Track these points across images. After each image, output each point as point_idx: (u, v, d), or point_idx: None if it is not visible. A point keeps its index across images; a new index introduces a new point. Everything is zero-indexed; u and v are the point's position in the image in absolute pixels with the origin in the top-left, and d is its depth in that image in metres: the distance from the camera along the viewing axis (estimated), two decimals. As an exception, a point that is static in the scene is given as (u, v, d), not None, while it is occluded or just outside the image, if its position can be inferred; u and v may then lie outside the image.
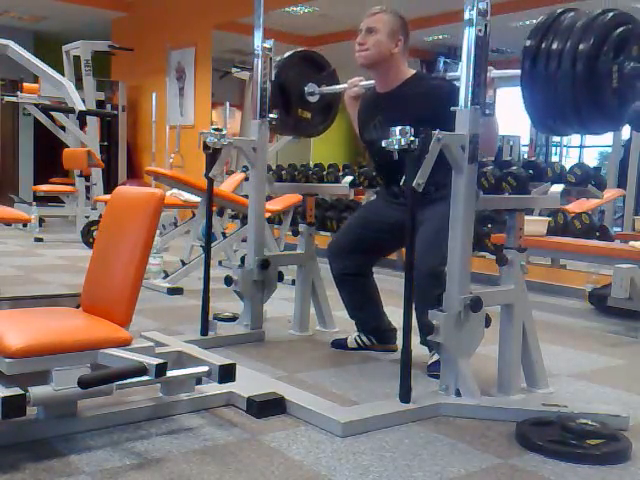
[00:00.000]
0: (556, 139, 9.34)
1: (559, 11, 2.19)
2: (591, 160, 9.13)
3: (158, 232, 4.40)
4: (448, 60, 8.77)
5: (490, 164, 5.04)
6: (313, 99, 3.32)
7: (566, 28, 2.13)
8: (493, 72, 2.36)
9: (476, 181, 2.31)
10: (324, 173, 6.69)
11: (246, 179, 3.38)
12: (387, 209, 2.93)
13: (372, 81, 2.96)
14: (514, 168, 4.88)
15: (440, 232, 2.40)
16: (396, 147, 2.19)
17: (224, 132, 2.99)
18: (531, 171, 4.91)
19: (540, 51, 2.15)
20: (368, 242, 2.97)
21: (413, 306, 2.27)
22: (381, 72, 2.85)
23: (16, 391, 1.78)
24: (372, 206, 3.15)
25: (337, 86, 3.29)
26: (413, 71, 2.87)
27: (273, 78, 3.20)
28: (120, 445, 1.94)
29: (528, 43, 2.17)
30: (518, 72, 2.22)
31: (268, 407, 2.22)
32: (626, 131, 6.54)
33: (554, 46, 2.12)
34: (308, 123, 3.41)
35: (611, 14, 2.13)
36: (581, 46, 2.08)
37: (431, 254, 2.53)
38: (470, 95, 2.24)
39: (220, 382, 2.18)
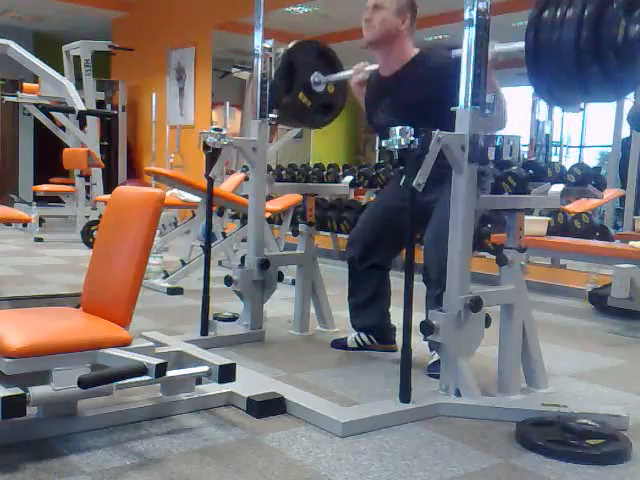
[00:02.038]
0: (556, 139, 9.34)
1: None
2: (591, 160, 9.13)
3: (158, 232, 4.40)
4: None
5: (490, 164, 5.03)
6: (317, 89, 3.29)
7: None
8: (496, 46, 2.34)
9: (476, 181, 2.31)
10: (324, 173, 6.70)
11: (246, 179, 3.37)
12: (397, 197, 2.87)
13: (376, 65, 2.94)
14: (514, 168, 4.88)
15: (447, 223, 2.36)
16: (396, 147, 2.19)
17: (224, 132, 2.99)
18: (531, 171, 4.91)
19: (543, 16, 2.13)
20: (390, 229, 2.91)
21: (414, 306, 2.27)
22: (386, 51, 2.83)
23: (16, 391, 1.78)
24: (388, 191, 3.09)
25: (343, 73, 3.26)
26: (417, 50, 2.84)
27: (286, 53, 3.16)
28: (120, 445, 1.94)
29: (532, 13, 2.15)
30: (522, 44, 2.21)
31: (268, 407, 2.22)
32: (626, 130, 6.55)
33: (559, 8, 2.10)
34: (304, 110, 3.33)
35: None
36: (589, 2, 2.06)
37: (441, 242, 2.46)
38: (470, 95, 2.24)
39: (220, 382, 2.18)
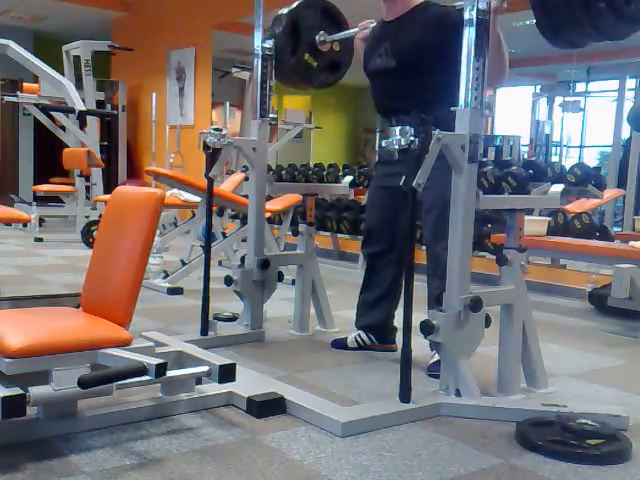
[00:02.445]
0: (556, 139, 9.35)
1: None
2: (591, 160, 9.14)
3: (158, 232, 4.40)
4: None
5: (490, 164, 5.04)
6: (323, 48, 3.26)
7: None
8: None
9: (476, 181, 2.31)
10: (324, 173, 6.69)
11: (246, 179, 3.38)
12: (389, 180, 2.85)
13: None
14: (514, 168, 4.88)
15: (447, 210, 2.34)
16: (396, 147, 2.19)
17: (224, 132, 2.99)
18: (531, 171, 4.91)
19: None
20: (394, 217, 2.93)
21: (414, 306, 2.27)
22: None
23: (16, 391, 1.78)
24: (376, 178, 3.08)
25: (348, 30, 3.23)
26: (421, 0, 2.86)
27: (289, 13, 3.12)
28: (120, 445, 1.94)
29: None
30: None
31: (268, 407, 2.22)
32: (626, 131, 6.55)
33: None
34: (311, 71, 3.30)
35: None
36: None
37: (443, 246, 2.47)
38: (470, 95, 2.24)
39: (220, 382, 2.18)
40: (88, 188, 7.29)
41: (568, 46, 2.31)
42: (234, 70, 8.02)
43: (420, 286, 2.60)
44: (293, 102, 9.30)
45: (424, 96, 2.51)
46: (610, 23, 2.17)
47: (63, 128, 7.85)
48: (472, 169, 2.27)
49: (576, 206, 5.50)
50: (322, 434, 2.09)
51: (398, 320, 2.41)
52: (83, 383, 1.80)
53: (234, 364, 2.22)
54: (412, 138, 2.16)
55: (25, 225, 7.09)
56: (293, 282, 3.52)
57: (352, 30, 3.17)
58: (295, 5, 3.24)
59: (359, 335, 3.10)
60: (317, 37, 3.25)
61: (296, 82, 3.48)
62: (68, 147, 7.49)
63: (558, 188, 4.03)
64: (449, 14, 2.70)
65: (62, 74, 7.02)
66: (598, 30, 2.21)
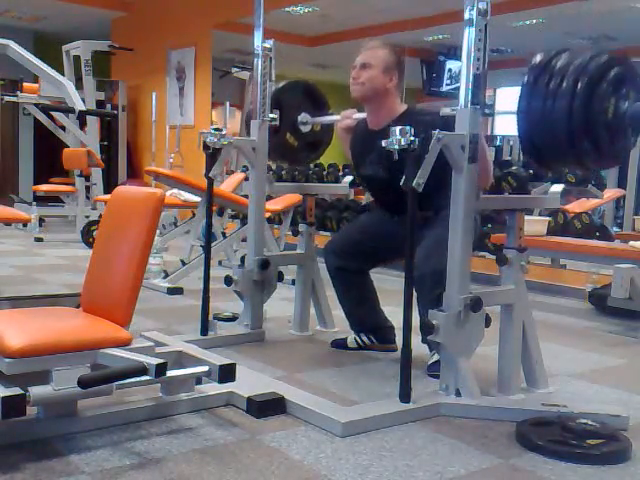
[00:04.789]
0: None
1: (554, 52, 2.24)
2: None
3: (158, 232, 4.40)
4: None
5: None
6: (304, 129, 3.35)
7: (563, 66, 2.17)
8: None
9: (476, 181, 2.31)
10: (324, 173, 6.70)
11: (246, 179, 3.38)
12: (385, 223, 2.95)
13: (364, 114, 2.97)
14: (514, 168, 4.89)
15: (441, 243, 2.36)
16: (396, 147, 2.19)
17: (224, 132, 3.00)
18: (531, 171, 4.92)
19: (537, 87, 2.17)
20: (365, 248, 3.00)
21: (414, 306, 2.27)
22: (374, 107, 2.85)
23: (16, 391, 1.78)
24: (371, 217, 3.15)
25: (330, 117, 3.32)
26: (405, 106, 2.86)
27: (275, 93, 3.20)
28: (120, 445, 1.94)
29: (525, 80, 2.20)
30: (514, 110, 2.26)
31: (268, 407, 2.22)
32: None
33: (551, 83, 2.15)
34: (292, 150, 3.40)
35: (607, 56, 2.18)
36: (579, 81, 2.12)
37: (433, 258, 2.50)
38: (470, 95, 2.24)
39: (220, 382, 2.18)
40: (88, 188, 7.30)
41: (549, 170, 2.45)
42: (234, 70, 8.02)
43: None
44: (293, 102, 9.29)
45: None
46: (593, 159, 2.27)
47: (63, 128, 7.85)
48: (472, 169, 2.27)
49: (576, 206, 5.51)
50: (322, 434, 2.09)
51: (398, 320, 2.40)
52: (83, 383, 1.80)
53: (234, 364, 2.22)
54: (412, 138, 2.16)
55: (25, 225, 7.09)
56: (293, 282, 3.52)
57: (334, 117, 3.24)
58: (280, 86, 3.30)
59: (359, 336, 3.10)
60: (299, 118, 3.32)
61: (278, 160, 3.57)
62: (68, 147, 7.49)
63: (558, 188, 4.03)
64: (432, 123, 2.57)
65: (62, 74, 7.02)
66: (581, 164, 2.33)
